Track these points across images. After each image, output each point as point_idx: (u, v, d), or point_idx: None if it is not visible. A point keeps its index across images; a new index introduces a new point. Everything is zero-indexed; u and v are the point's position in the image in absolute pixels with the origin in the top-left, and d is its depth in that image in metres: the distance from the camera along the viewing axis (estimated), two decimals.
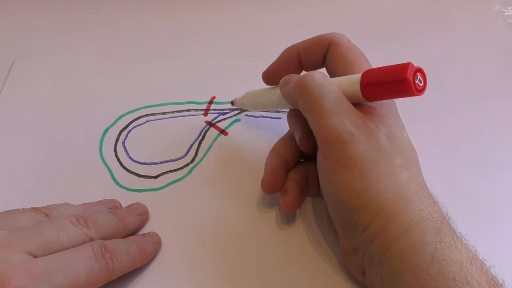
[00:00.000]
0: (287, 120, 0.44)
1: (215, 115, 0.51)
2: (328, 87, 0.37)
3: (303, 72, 0.45)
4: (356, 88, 0.37)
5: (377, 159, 0.36)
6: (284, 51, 0.45)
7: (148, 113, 0.51)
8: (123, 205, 0.44)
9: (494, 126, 0.53)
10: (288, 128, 0.45)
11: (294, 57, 0.44)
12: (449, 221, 0.36)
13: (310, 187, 0.44)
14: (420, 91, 0.35)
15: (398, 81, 0.35)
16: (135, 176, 0.47)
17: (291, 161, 0.44)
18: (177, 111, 0.51)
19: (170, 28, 0.60)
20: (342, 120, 0.36)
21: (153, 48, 0.58)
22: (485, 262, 0.34)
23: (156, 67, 0.55)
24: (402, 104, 0.41)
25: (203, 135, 0.50)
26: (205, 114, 0.51)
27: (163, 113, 0.51)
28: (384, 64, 0.37)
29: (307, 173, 0.44)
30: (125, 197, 0.45)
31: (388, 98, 0.38)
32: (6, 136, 0.49)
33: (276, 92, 0.44)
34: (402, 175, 0.36)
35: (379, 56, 0.43)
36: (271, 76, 0.45)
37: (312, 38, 0.44)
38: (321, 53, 0.43)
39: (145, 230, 0.43)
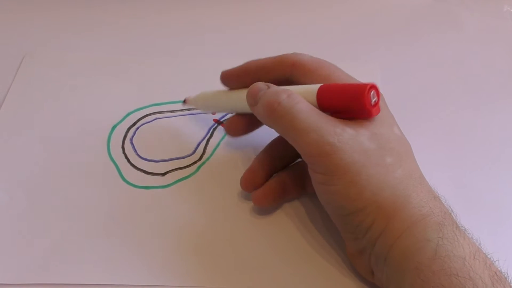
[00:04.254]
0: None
1: (223, 113, 0.51)
2: (296, 107, 0.38)
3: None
4: (313, 99, 0.38)
5: (365, 163, 0.36)
6: (246, 64, 0.45)
7: (156, 111, 0.51)
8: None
9: (502, 127, 0.52)
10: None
11: (252, 73, 0.44)
12: (452, 215, 0.36)
13: (310, 186, 0.44)
14: (374, 106, 0.37)
15: (352, 94, 0.37)
16: (142, 173, 0.47)
17: (282, 160, 0.44)
18: (185, 109, 0.51)
19: (181, 27, 0.60)
20: (320, 135, 0.36)
21: (163, 46, 0.58)
22: (489, 256, 0.34)
23: (165, 65, 0.55)
24: (409, 104, 0.41)
25: (211, 133, 0.50)
26: (213, 113, 0.51)
27: (171, 111, 0.51)
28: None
29: (303, 172, 0.43)
30: (132, 194, 0.45)
31: (345, 111, 0.38)
32: (15, 133, 0.49)
33: (231, 96, 0.45)
34: (395, 173, 0.36)
35: (387, 57, 0.43)
36: (228, 80, 0.46)
37: (274, 58, 0.43)
38: (283, 74, 0.43)
39: (152, 227, 0.43)
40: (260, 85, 0.41)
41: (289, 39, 0.45)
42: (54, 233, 0.42)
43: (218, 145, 0.49)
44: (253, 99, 0.41)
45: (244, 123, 0.45)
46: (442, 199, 0.37)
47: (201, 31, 0.60)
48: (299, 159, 0.45)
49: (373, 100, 0.36)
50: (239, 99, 0.43)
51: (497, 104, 0.54)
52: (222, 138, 0.49)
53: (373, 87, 0.37)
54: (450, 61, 0.59)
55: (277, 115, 0.38)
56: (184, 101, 0.49)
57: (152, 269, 0.41)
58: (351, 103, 0.37)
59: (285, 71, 0.42)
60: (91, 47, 0.57)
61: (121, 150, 0.48)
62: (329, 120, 0.37)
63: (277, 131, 0.40)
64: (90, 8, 0.62)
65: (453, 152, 0.50)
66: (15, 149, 0.48)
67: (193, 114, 0.51)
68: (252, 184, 0.43)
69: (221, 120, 0.51)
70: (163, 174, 0.47)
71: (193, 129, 0.50)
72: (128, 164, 0.47)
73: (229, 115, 0.51)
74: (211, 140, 0.49)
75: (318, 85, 0.39)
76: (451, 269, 0.32)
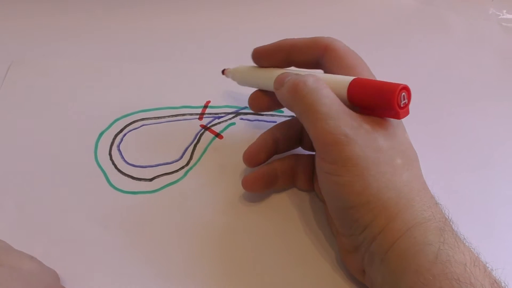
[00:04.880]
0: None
1: (210, 119, 0.51)
2: (322, 91, 0.38)
3: (292, 68, 0.45)
4: (344, 91, 0.38)
5: (376, 160, 0.36)
6: (277, 42, 0.45)
7: (143, 117, 0.51)
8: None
9: (490, 129, 0.53)
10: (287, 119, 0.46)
11: (285, 51, 0.44)
12: (451, 223, 0.36)
13: (300, 180, 0.45)
14: (403, 108, 0.36)
15: (383, 92, 0.37)
16: (130, 179, 0.47)
17: (284, 143, 0.45)
18: (172, 116, 0.51)
19: (165, 32, 0.60)
20: (338, 124, 0.36)
21: (149, 52, 0.58)
22: (487, 264, 0.34)
23: (151, 71, 0.56)
24: None
25: (198, 138, 0.50)
26: (200, 118, 0.51)
27: (158, 117, 0.51)
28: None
29: (296, 165, 0.44)
30: (120, 199, 0.45)
31: (373, 108, 0.38)
32: (2, 140, 0.49)
33: (266, 74, 0.45)
34: (403, 175, 0.36)
35: (375, 60, 0.43)
36: (260, 57, 0.46)
37: (308, 38, 0.44)
38: (315, 56, 0.43)
39: (140, 231, 0.43)
40: (290, 72, 0.42)
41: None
42: (44, 240, 0.42)
43: (205, 150, 0.49)
44: (279, 83, 0.41)
45: (267, 100, 0.46)
46: (441, 207, 0.37)
47: (190, 36, 0.60)
48: (293, 151, 0.46)
49: (402, 102, 0.36)
50: (271, 77, 0.43)
51: (484, 106, 0.55)
52: (209, 143, 0.49)
53: (405, 88, 0.36)
54: (438, 63, 0.59)
55: (301, 94, 0.38)
56: (223, 72, 0.50)
57: (142, 273, 0.41)
58: (380, 101, 0.37)
59: (317, 53, 0.43)
60: (78, 53, 0.58)
61: (108, 156, 0.48)
62: (350, 112, 0.37)
63: (297, 113, 0.40)
64: (76, 15, 0.62)
65: (442, 155, 0.50)
66: (3, 157, 0.48)
67: (180, 120, 0.51)
68: (255, 159, 0.44)
69: (208, 126, 0.51)
70: (151, 180, 0.47)
71: (180, 135, 0.50)
72: (116, 170, 0.47)
73: (216, 121, 0.51)
74: (198, 145, 0.49)
75: (351, 78, 0.38)
76: (452, 274, 0.32)
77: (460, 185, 0.48)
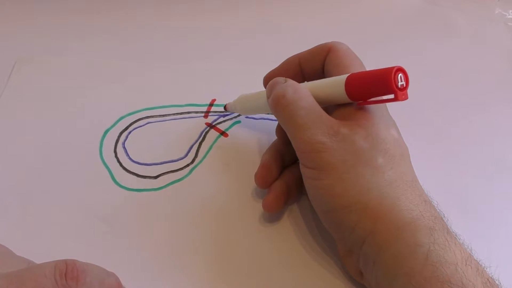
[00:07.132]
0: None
1: (216, 117, 0.51)
2: (299, 103, 0.39)
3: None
4: (341, 88, 0.38)
5: (354, 162, 0.36)
6: (287, 59, 0.45)
7: (148, 115, 0.51)
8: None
9: (495, 130, 0.52)
10: None
11: (295, 66, 0.45)
12: (443, 220, 0.36)
13: None
14: (402, 90, 0.36)
15: (379, 76, 0.37)
16: (135, 177, 0.47)
17: (288, 157, 0.44)
18: (177, 114, 0.51)
19: (171, 31, 0.60)
20: (314, 133, 0.37)
21: (154, 51, 0.58)
22: (480, 262, 0.34)
23: (156, 69, 0.56)
24: (403, 107, 0.41)
25: (203, 136, 0.50)
26: (206, 116, 0.51)
27: (163, 115, 0.51)
28: None
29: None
30: (125, 196, 0.45)
31: (372, 97, 0.38)
32: (7, 137, 0.49)
33: (264, 96, 0.45)
34: (385, 175, 0.36)
35: (380, 61, 0.43)
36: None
37: (314, 47, 0.44)
38: (320, 61, 0.43)
39: (145, 229, 0.43)
40: (279, 79, 0.42)
41: (288, 43, 0.46)
42: (49, 238, 0.42)
43: (210, 148, 0.49)
44: (269, 91, 0.42)
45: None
46: (434, 204, 0.37)
47: (195, 35, 0.60)
48: None
49: (400, 83, 0.36)
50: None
51: (490, 107, 0.55)
52: (214, 141, 0.49)
53: (400, 70, 0.36)
54: (443, 63, 0.59)
55: (280, 108, 0.40)
56: (225, 108, 0.50)
57: (146, 270, 0.41)
58: (378, 86, 0.37)
59: (322, 58, 0.43)
60: (83, 51, 0.58)
61: (113, 154, 0.48)
62: (328, 120, 0.38)
63: (280, 124, 0.41)
64: (81, 13, 0.62)
65: (446, 155, 0.50)
66: (8, 155, 0.48)
67: (185, 118, 0.51)
68: (267, 180, 0.43)
69: (213, 124, 0.51)
70: (156, 177, 0.47)
71: (185, 133, 0.50)
72: (121, 168, 0.47)
73: (221, 119, 0.51)
74: (203, 143, 0.49)
75: (346, 75, 0.39)
76: (443, 276, 0.32)
77: (463, 187, 0.47)
